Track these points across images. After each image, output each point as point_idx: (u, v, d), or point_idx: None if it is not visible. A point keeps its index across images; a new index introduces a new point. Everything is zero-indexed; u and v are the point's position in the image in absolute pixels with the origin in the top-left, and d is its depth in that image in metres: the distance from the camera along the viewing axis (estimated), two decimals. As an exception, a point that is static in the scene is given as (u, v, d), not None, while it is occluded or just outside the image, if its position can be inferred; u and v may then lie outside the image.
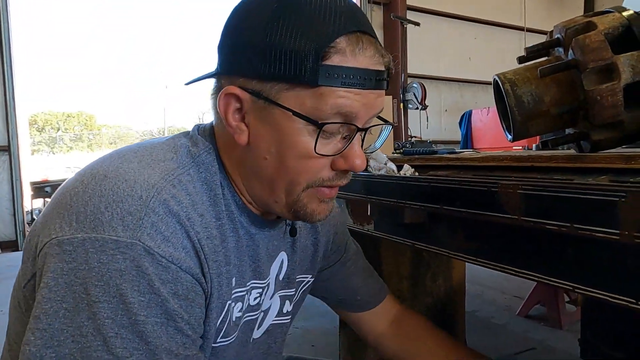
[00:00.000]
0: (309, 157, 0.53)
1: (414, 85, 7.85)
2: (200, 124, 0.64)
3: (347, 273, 0.84)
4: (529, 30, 8.64)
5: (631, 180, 0.48)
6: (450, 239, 0.72)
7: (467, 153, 1.39)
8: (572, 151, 0.87)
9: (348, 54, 0.50)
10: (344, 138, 0.55)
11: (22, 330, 0.53)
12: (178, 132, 0.63)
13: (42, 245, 0.48)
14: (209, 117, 0.64)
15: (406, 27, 8.17)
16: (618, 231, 0.44)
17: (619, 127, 0.70)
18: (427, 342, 0.83)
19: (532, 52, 0.78)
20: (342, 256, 0.84)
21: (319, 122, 0.51)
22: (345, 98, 0.51)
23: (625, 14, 0.70)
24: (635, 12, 0.70)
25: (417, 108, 7.82)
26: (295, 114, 0.51)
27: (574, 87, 0.73)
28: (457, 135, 7.57)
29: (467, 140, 7.10)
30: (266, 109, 0.52)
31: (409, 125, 8.32)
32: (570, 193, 0.49)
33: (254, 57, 0.51)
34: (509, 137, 0.83)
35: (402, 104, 8.11)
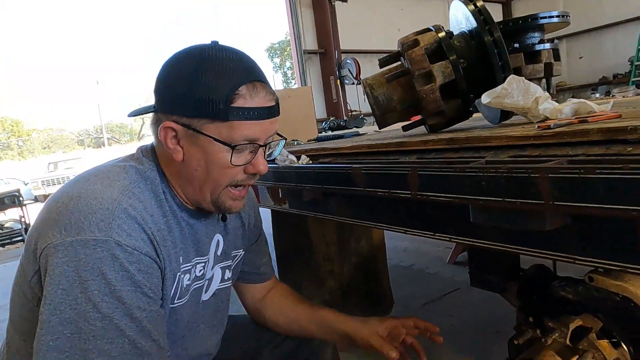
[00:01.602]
0: (227, 167, 0.76)
1: (348, 61, 8.13)
2: (142, 146, 0.87)
3: (257, 251, 1.07)
4: (450, -2, 9.10)
5: (419, 159, 0.76)
6: (335, 208, 0.98)
7: (364, 137, 1.66)
8: (411, 136, 1.15)
9: (248, 98, 0.73)
10: (251, 152, 0.78)
11: (27, 312, 0.74)
12: (126, 156, 0.86)
13: (41, 251, 0.68)
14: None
15: (334, 5, 8.36)
16: (409, 192, 0.72)
17: (442, 114, 0.98)
18: (282, 305, 1.07)
19: (383, 62, 1.04)
20: (259, 237, 1.07)
21: (232, 145, 0.74)
22: (249, 129, 0.74)
23: (440, 34, 0.97)
24: (445, 32, 0.97)
25: (353, 83, 8.13)
26: (215, 140, 0.73)
27: (411, 88, 1.00)
28: (393, 105, 7.95)
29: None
30: (195, 136, 0.74)
31: (347, 100, 8.64)
32: (387, 170, 0.76)
33: (183, 102, 0.73)
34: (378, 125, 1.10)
35: (339, 80, 8.39)
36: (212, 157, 0.75)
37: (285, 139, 0.85)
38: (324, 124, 4.62)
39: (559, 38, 9.12)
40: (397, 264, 3.36)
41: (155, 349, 0.71)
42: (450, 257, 3.24)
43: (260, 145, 0.78)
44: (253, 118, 0.74)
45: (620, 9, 8.97)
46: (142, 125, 31.78)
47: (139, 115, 0.84)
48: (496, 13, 10.09)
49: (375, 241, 1.91)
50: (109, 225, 0.68)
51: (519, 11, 10.43)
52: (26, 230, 6.00)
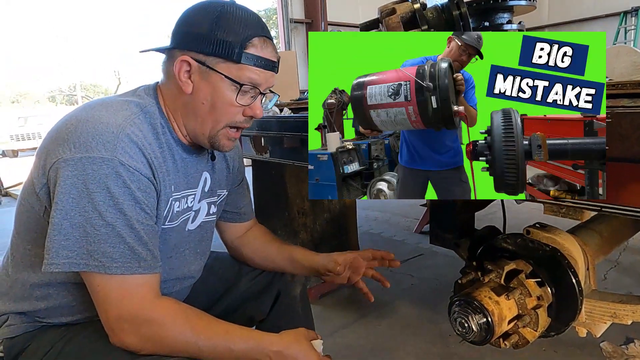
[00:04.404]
0: (231, 105, 0.87)
1: (334, 34, 8.10)
2: (144, 85, 0.95)
3: (239, 193, 1.19)
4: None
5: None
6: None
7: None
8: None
9: (259, 48, 0.86)
10: (252, 97, 0.89)
11: (33, 223, 0.84)
12: (127, 91, 0.95)
13: (51, 164, 0.77)
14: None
15: (324, -26, 8.24)
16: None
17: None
18: (258, 243, 1.20)
19: (364, 27, 1.15)
20: (241, 182, 1.20)
21: (240, 83, 0.85)
22: (255, 74, 0.87)
23: (415, 5, 1.09)
24: (419, 4, 1.09)
25: (338, 56, 8.12)
26: (226, 77, 0.85)
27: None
28: (375, 82, 8.01)
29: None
30: (207, 72, 0.85)
31: (330, 74, 8.63)
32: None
33: (202, 41, 0.84)
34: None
35: (323, 53, 8.36)
36: (219, 93, 0.86)
37: (279, 95, 0.97)
38: (305, 93, 4.68)
39: (541, 27, 9.32)
40: (367, 231, 3.54)
41: (150, 257, 0.82)
42: (417, 227, 3.43)
43: (261, 92, 0.90)
44: (260, 66, 0.87)
45: (599, 4, 9.21)
46: (118, 86, 30.76)
47: (152, 51, 0.93)
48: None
49: (346, 200, 2.05)
50: (114, 146, 0.78)
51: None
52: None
